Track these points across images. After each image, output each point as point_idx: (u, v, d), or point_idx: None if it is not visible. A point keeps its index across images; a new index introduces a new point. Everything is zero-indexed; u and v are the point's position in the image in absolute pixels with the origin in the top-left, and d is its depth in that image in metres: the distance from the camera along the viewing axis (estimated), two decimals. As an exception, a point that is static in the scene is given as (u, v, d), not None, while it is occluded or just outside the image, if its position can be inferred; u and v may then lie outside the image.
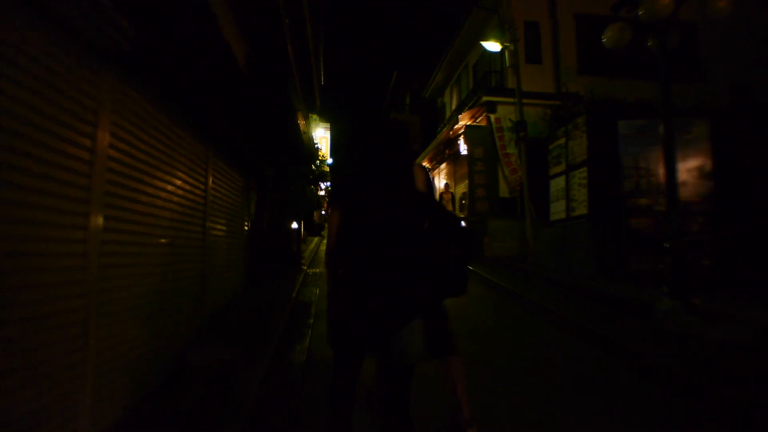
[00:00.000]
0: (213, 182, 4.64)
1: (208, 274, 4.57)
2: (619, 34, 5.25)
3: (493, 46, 8.84)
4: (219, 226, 4.98)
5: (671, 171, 4.91)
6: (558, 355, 4.20)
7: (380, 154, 2.08)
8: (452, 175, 15.34)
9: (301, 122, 7.34)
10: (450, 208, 13.80)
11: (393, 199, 1.96)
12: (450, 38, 15.41)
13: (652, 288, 5.93)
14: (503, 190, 10.92)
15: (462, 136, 11.66)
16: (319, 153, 11.03)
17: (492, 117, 10.78)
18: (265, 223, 7.32)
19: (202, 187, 4.34)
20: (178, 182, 3.66)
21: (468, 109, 11.46)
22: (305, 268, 9.83)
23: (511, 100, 10.99)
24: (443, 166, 16.98)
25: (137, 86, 2.84)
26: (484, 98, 10.91)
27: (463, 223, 2.27)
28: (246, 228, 6.77)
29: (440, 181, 17.24)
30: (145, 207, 3.05)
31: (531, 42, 11.48)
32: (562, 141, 9.17)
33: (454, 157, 14.53)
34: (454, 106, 16.84)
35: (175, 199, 3.62)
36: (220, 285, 5.10)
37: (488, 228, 10.42)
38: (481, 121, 11.51)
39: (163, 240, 3.35)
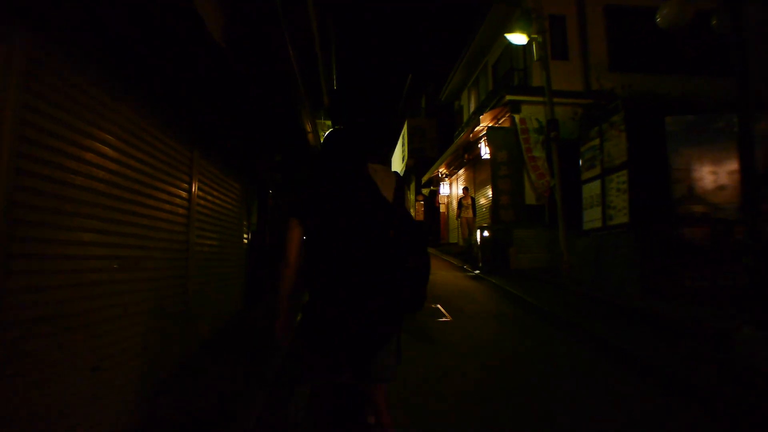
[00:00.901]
0: (199, 188, 3.93)
1: (194, 295, 3.85)
2: (678, 9, 4.41)
3: (518, 38, 8.06)
4: (208, 240, 4.28)
5: (749, 171, 4.04)
6: (615, 400, 3.34)
7: (338, 164, 1.92)
8: (472, 182, 14.50)
9: (308, 125, 6.67)
10: (470, 214, 13.00)
11: (357, 210, 1.84)
12: (467, 38, 14.66)
13: (714, 309, 5.05)
14: (529, 197, 10.06)
15: (483, 139, 10.86)
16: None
17: (516, 117, 9.95)
18: (267, 234, 6.62)
19: (183, 194, 3.64)
20: (143, 188, 2.95)
21: (490, 110, 10.66)
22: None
23: (537, 98, 10.17)
24: (461, 171, 16.15)
25: (63, 55, 2.14)
26: (508, 97, 10.10)
27: (420, 232, 2.11)
28: (246, 240, 6.07)
29: (458, 188, 16.42)
30: (84, 220, 2.34)
31: (557, 37, 10.63)
32: (596, 142, 8.31)
33: (473, 162, 13.71)
34: (472, 109, 16.04)
35: (139, 209, 2.91)
36: (211, 306, 4.39)
37: (513, 238, 9.56)
38: (504, 122, 10.69)
39: (115, 263, 2.63)
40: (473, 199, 13.27)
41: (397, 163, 24.43)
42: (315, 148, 6.93)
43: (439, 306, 6.22)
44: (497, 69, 13.46)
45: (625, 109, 7.47)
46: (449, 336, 4.86)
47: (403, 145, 21.72)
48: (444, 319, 5.56)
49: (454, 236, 16.47)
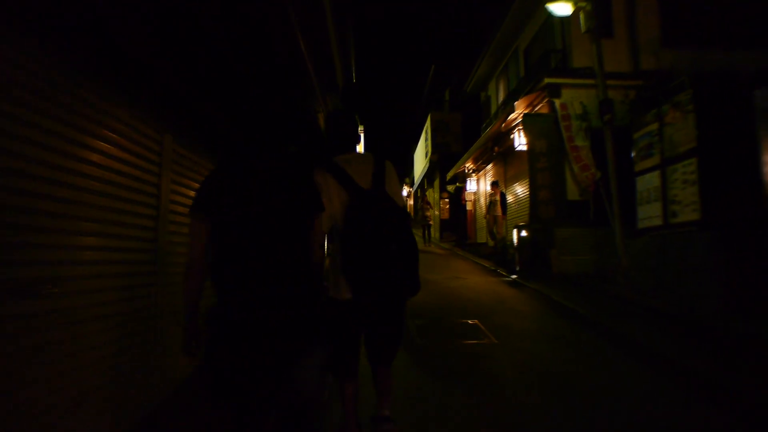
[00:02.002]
0: (173, 180, 3.06)
1: (167, 317, 2.98)
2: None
3: (562, 8, 6.99)
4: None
5: None
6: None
7: (250, 150, 1.74)
8: (502, 177, 13.39)
9: (320, 115, 5.76)
10: (498, 212, 11.92)
11: (266, 204, 1.64)
12: (494, 23, 13.55)
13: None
14: (571, 192, 8.94)
15: (517, 128, 9.76)
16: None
17: (557, 102, 8.84)
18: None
19: (150, 190, 2.76)
20: (74, 177, 2.08)
21: (525, 95, 9.56)
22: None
23: (579, 81, 9.07)
24: (489, 166, 15.04)
25: None
26: (546, 80, 8.99)
27: (403, 217, 2.08)
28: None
29: (486, 184, 15.33)
30: None
31: (599, 12, 9.45)
32: (654, 127, 7.16)
33: (504, 155, 12.60)
34: (501, 99, 14.91)
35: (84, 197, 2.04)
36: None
37: (555, 238, 8.46)
38: (541, 109, 9.59)
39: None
40: (503, 195, 12.17)
41: (420, 159, 23.40)
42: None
43: (477, 322, 5.21)
44: (529, 53, 12.31)
45: (693, 86, 6.32)
46: (499, 367, 3.80)
47: (426, 140, 20.68)
48: (487, 341, 4.54)
49: (482, 236, 15.38)
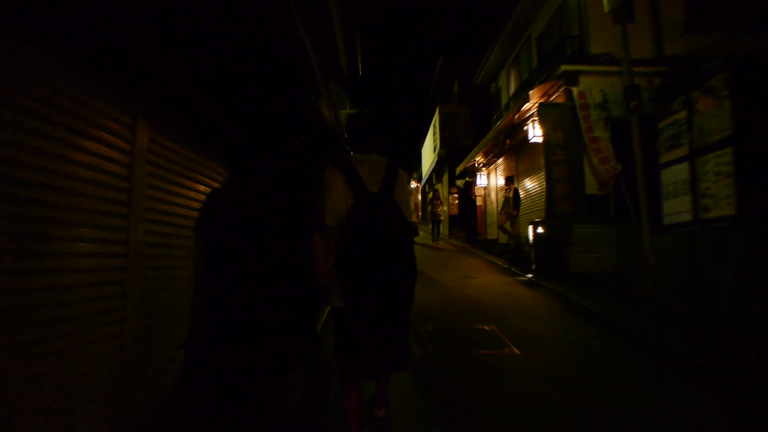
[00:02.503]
0: (150, 173, 2.65)
1: (142, 330, 2.58)
2: None
3: (583, -12, 6.47)
4: (171, 244, 3.00)
5: None
6: None
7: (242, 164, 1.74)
8: (514, 171, 12.89)
9: (325, 108, 5.35)
10: (510, 208, 11.45)
11: (248, 223, 1.60)
12: (506, 9, 13.01)
13: None
14: (590, 186, 8.45)
15: (531, 119, 9.27)
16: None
17: (574, 91, 8.33)
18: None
19: (121, 184, 2.37)
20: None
21: (540, 84, 9.05)
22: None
23: (598, 68, 8.57)
24: (500, 161, 14.54)
25: None
26: (563, 67, 8.48)
27: (408, 228, 2.08)
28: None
29: (497, 179, 14.84)
30: None
31: (619, -5, 8.93)
32: (682, 115, 6.66)
33: (516, 148, 12.10)
34: (512, 91, 14.38)
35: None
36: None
37: (573, 234, 7.99)
38: (557, 98, 9.08)
39: None
40: (516, 192, 11.69)
41: (428, 154, 22.89)
42: (332, 129, 5.62)
43: (494, 328, 4.77)
44: (543, 41, 11.78)
45: (729, 69, 5.81)
46: (528, 391, 3.18)
47: (434, 134, 20.17)
48: (508, 352, 4.07)
49: (493, 232, 14.90)
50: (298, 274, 1.64)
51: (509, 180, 11.77)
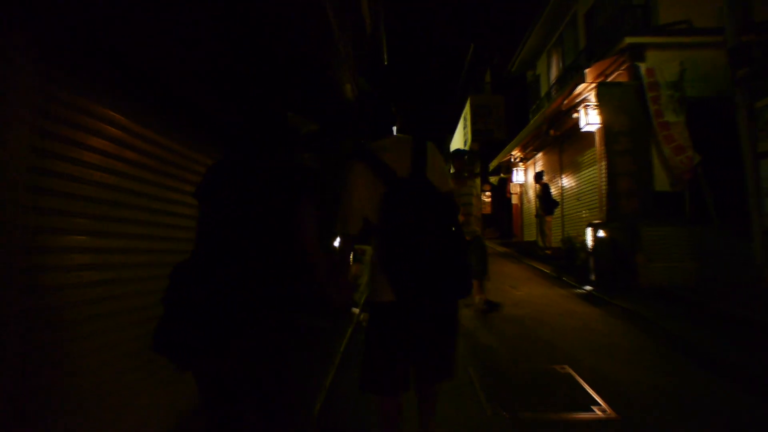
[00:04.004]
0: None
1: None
2: None
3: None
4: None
5: None
6: None
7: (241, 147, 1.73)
8: (557, 165, 11.54)
9: (347, 85, 4.29)
10: (539, 208, 10.26)
11: (237, 210, 1.57)
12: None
13: None
14: (660, 181, 7.10)
15: (583, 104, 7.92)
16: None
17: (642, 67, 6.98)
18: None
19: None
20: None
21: (597, 62, 7.72)
22: (357, 312, 5.46)
23: (669, 39, 7.21)
24: (540, 155, 13.18)
25: None
26: (627, 40, 7.13)
27: (449, 207, 1.91)
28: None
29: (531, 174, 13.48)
30: None
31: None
32: (790, 91, 5.27)
33: (562, 138, 10.73)
34: (553, 78, 12.98)
35: None
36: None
37: (642, 239, 6.65)
38: (617, 77, 7.72)
39: None
40: (545, 187, 10.36)
41: (458, 147, 21.60)
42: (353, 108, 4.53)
43: (570, 371, 3.53)
44: (593, 18, 10.38)
45: None
46: None
47: (465, 128, 18.86)
48: (602, 416, 2.85)
49: (531, 233, 13.54)
50: (285, 270, 1.58)
51: (538, 176, 10.51)
